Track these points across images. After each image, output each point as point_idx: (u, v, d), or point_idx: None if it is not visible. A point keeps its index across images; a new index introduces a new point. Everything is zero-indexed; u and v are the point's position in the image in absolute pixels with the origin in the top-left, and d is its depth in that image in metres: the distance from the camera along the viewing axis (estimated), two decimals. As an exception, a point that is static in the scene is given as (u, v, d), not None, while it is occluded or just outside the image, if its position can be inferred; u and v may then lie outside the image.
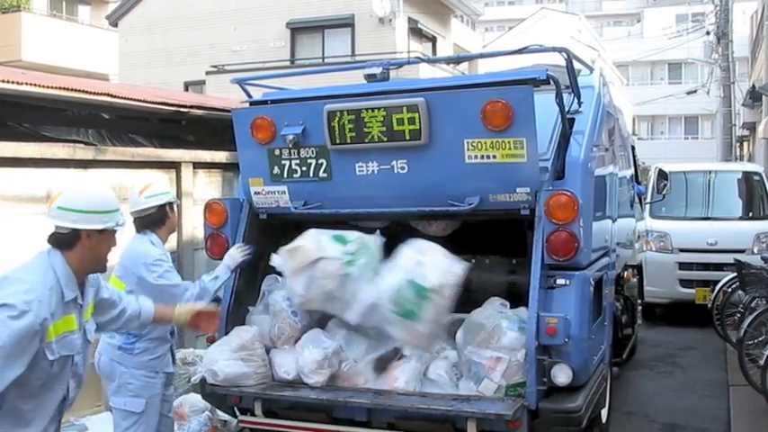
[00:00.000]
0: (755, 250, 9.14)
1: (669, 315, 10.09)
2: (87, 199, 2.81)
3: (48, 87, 6.27)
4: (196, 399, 5.00)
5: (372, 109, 4.10)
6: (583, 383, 4.00)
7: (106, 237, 2.84)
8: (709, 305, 8.37)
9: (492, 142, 3.95)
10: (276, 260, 4.20)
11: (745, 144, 27.13)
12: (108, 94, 6.81)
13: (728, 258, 8.23)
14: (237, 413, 4.47)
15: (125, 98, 6.99)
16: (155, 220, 4.06)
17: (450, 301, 3.90)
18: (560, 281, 4.01)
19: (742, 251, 8.90)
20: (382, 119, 4.09)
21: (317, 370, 4.13)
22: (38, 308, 2.59)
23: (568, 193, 3.99)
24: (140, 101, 7.22)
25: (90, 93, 6.64)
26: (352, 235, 4.16)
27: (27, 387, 2.64)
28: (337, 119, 4.17)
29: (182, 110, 7.62)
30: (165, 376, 4.10)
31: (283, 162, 4.42)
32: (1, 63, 15.62)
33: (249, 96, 4.89)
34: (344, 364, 4.20)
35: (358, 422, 4.09)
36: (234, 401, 4.36)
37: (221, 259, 4.57)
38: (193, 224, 6.49)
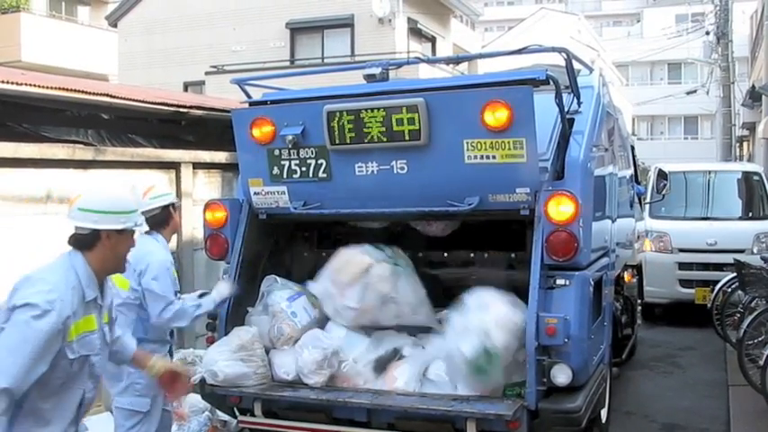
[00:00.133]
0: (755, 250, 9.14)
1: (669, 315, 10.08)
2: (107, 200, 2.88)
3: (47, 88, 6.27)
4: (196, 399, 4.99)
5: (372, 109, 4.10)
6: (582, 384, 4.00)
7: (125, 237, 2.91)
8: (709, 305, 8.36)
9: (491, 142, 3.95)
10: (318, 287, 4.32)
11: (745, 144, 27.13)
12: (107, 95, 6.81)
13: (728, 258, 8.22)
14: (237, 413, 4.47)
15: (124, 98, 6.99)
16: (159, 220, 4.10)
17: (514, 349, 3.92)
18: (560, 281, 4.01)
19: (742, 251, 8.89)
20: (382, 119, 4.08)
21: (316, 370, 4.14)
22: (60, 307, 2.65)
23: (568, 194, 3.99)
24: (140, 101, 7.21)
25: (89, 93, 6.64)
26: (380, 246, 4.40)
27: (47, 386, 2.69)
28: (337, 119, 4.17)
29: (181, 110, 7.61)
30: None
31: (283, 162, 4.42)
32: (0, 63, 15.61)
33: (249, 97, 4.88)
34: (344, 364, 4.21)
35: (358, 422, 4.10)
36: (234, 402, 4.37)
37: (221, 260, 4.56)
38: (193, 224, 6.49)
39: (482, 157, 3.99)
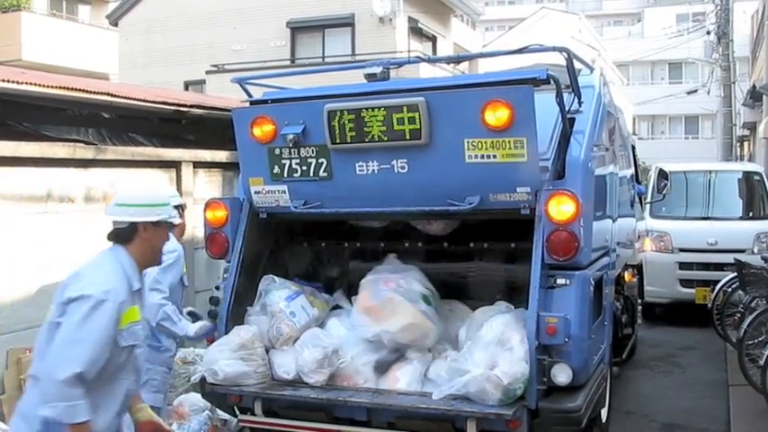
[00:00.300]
0: (755, 250, 9.14)
1: (669, 315, 10.08)
2: (141, 194, 3.08)
3: (48, 87, 6.27)
4: (196, 398, 5.00)
5: (372, 108, 4.09)
6: (583, 383, 4.00)
7: (161, 229, 3.06)
8: (709, 305, 8.37)
9: (492, 142, 3.94)
10: (368, 330, 4.30)
11: (746, 144, 27.10)
12: (108, 94, 6.81)
13: (728, 258, 8.23)
14: (237, 412, 4.47)
15: (125, 97, 6.98)
16: None
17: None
18: (560, 280, 4.01)
19: (742, 251, 8.89)
20: (382, 118, 4.08)
21: (316, 369, 4.14)
22: (114, 296, 2.81)
23: (569, 193, 3.99)
24: (140, 100, 7.21)
25: (90, 92, 6.64)
26: (428, 298, 4.40)
27: (101, 376, 2.81)
28: (337, 118, 4.17)
29: (182, 109, 7.61)
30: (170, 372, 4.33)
31: (283, 161, 4.41)
32: (1, 62, 15.61)
33: (249, 96, 4.88)
34: (341, 361, 4.21)
35: (358, 421, 4.10)
36: (234, 401, 4.37)
37: (221, 259, 4.58)
38: (193, 223, 6.50)
39: (483, 156, 3.99)
